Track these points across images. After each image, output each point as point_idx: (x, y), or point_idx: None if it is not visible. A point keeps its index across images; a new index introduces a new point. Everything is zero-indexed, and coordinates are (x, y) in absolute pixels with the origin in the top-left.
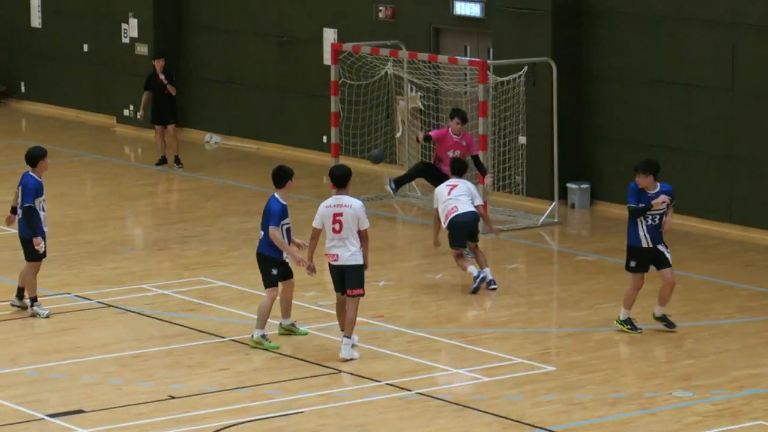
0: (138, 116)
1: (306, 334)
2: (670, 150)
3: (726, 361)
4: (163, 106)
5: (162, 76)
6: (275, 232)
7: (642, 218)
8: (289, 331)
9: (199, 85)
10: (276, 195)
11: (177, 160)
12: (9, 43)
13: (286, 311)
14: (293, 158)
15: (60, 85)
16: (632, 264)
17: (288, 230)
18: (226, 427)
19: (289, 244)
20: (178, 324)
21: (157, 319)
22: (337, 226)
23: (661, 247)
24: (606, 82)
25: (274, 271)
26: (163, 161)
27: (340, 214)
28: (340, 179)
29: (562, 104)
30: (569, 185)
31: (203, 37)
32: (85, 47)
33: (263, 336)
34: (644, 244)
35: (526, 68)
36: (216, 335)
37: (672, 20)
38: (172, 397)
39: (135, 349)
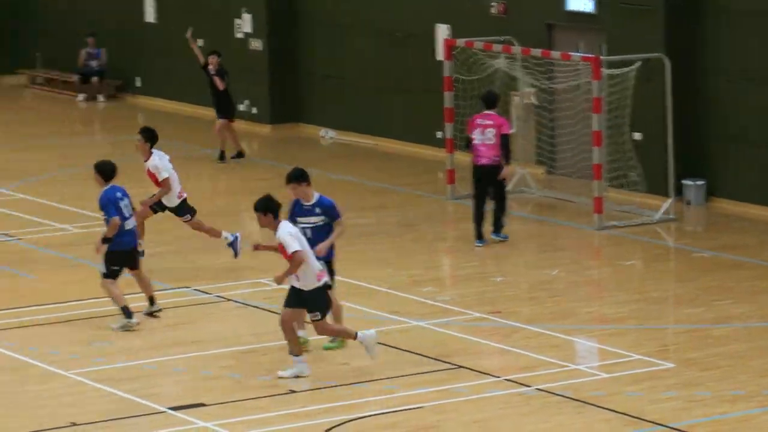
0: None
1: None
2: None
3: None
4: (217, 101)
5: (211, 67)
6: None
7: None
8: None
9: (314, 80)
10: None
11: (239, 154)
12: (124, 39)
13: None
14: (407, 154)
15: (175, 80)
16: None
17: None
18: (344, 422)
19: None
20: None
21: (275, 313)
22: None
23: None
24: (721, 78)
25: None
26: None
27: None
28: (280, 207)
29: (676, 100)
30: (684, 182)
31: (316, 33)
32: (200, 42)
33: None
34: None
35: (639, 63)
36: None
37: None
38: (293, 392)
39: (253, 343)
